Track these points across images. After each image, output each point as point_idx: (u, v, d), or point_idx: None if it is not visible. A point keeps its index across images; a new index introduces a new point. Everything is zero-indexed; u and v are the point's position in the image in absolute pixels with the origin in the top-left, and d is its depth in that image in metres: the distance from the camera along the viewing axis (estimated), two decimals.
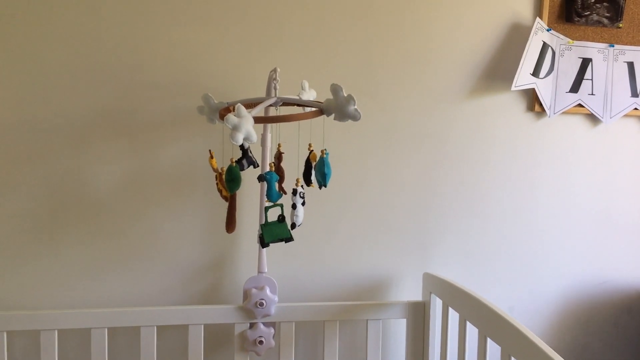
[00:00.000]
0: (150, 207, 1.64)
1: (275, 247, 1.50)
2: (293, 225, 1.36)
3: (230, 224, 1.41)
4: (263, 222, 1.40)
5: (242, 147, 1.47)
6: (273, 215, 1.38)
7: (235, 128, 1.21)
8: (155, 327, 1.57)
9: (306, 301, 1.72)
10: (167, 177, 1.64)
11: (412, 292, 1.78)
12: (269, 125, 1.56)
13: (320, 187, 1.40)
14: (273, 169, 1.39)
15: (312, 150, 1.44)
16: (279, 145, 1.51)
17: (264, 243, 1.38)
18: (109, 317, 1.55)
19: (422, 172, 1.77)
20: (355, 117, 1.31)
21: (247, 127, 1.21)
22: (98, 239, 1.62)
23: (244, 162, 1.47)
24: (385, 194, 1.76)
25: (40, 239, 1.60)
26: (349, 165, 1.73)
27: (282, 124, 1.51)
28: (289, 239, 1.41)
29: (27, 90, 1.56)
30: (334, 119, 1.33)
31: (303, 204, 1.36)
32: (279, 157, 1.51)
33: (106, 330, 1.55)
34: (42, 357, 1.52)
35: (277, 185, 1.33)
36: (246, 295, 1.61)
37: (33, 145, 1.57)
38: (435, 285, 1.65)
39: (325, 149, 1.38)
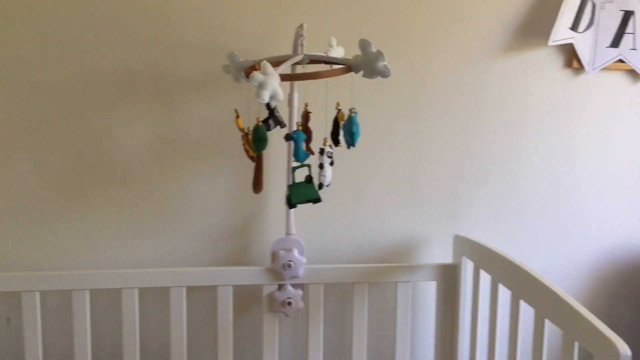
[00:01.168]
0: (177, 168, 1.63)
1: (304, 208, 1.47)
2: (320, 186, 1.33)
3: (258, 184, 1.38)
4: (290, 182, 1.38)
5: (268, 106, 1.44)
6: (300, 175, 1.36)
7: (261, 86, 1.17)
8: (185, 288, 1.58)
9: (335, 263, 1.70)
10: (194, 137, 1.62)
11: (442, 255, 1.75)
12: (295, 84, 1.52)
13: (348, 147, 1.36)
14: (300, 128, 1.36)
15: (340, 110, 1.40)
16: (306, 105, 1.47)
17: (291, 204, 1.36)
18: (139, 277, 1.56)
19: (454, 133, 1.72)
20: (384, 73, 1.26)
21: (273, 85, 1.18)
22: (126, 200, 1.63)
23: (271, 121, 1.44)
24: (416, 154, 1.72)
25: (70, 201, 1.61)
26: (378, 125, 1.69)
27: (309, 83, 1.46)
28: (316, 199, 1.38)
29: (52, 51, 1.54)
30: (363, 76, 1.29)
31: (331, 164, 1.33)
32: (306, 116, 1.47)
33: (137, 290, 1.56)
34: (75, 317, 1.54)
35: (304, 145, 1.29)
36: (274, 256, 1.60)
37: (60, 106, 1.57)
38: (467, 247, 1.62)
39: (353, 108, 1.35)
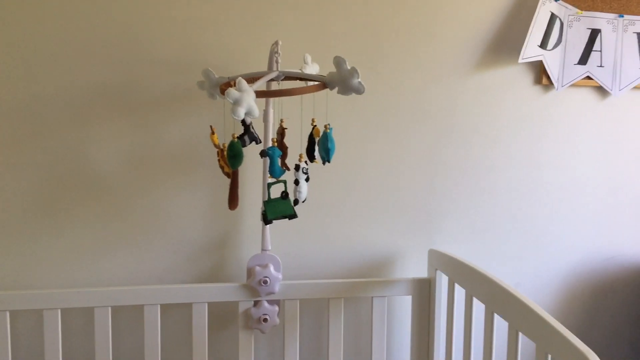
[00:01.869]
0: (152, 184, 1.62)
1: (279, 224, 1.48)
2: (296, 202, 1.34)
3: (233, 200, 1.38)
4: (266, 198, 1.38)
5: (244, 122, 1.45)
6: (276, 191, 1.36)
7: (237, 102, 1.18)
8: (159, 306, 1.56)
9: (311, 279, 1.70)
10: (169, 153, 1.62)
11: (417, 269, 1.77)
12: (271, 101, 1.53)
13: (324, 163, 1.37)
14: (276, 144, 1.37)
15: (316, 126, 1.41)
16: (282, 121, 1.48)
17: (267, 220, 1.36)
18: (112, 295, 1.54)
19: (428, 148, 1.75)
20: (359, 90, 1.28)
21: (248, 102, 1.18)
22: (100, 217, 1.61)
23: (246, 138, 1.44)
24: (390, 169, 1.74)
25: (42, 218, 1.58)
26: (353, 141, 1.70)
27: (284, 99, 1.48)
28: (292, 215, 1.38)
29: (27, 67, 1.53)
30: (338, 93, 1.30)
31: (307, 180, 1.34)
32: (281, 132, 1.48)
33: (110, 309, 1.54)
34: (46, 336, 1.51)
35: (279, 160, 1.30)
36: (250, 273, 1.59)
37: (34, 122, 1.55)
38: (441, 261, 1.64)
39: (328, 124, 1.35)
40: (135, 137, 1.60)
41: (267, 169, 1.36)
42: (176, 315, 1.66)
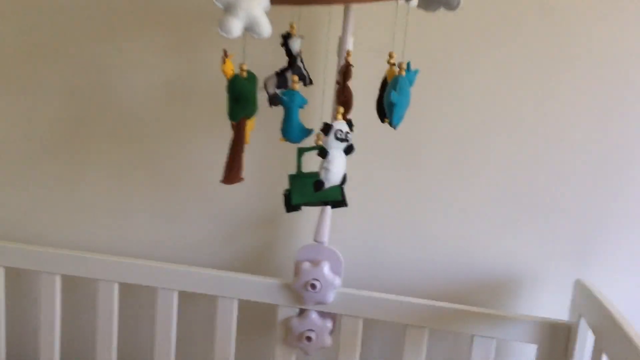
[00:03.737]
0: (189, 130, 1.22)
1: (348, 208, 0.97)
2: (319, 186, 0.81)
3: (232, 169, 0.89)
4: (295, 172, 0.89)
5: (289, 50, 0.95)
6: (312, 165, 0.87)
7: (229, 9, 0.70)
8: (177, 292, 1.18)
9: (384, 291, 1.17)
10: (215, 91, 1.19)
11: (552, 306, 1.15)
12: (350, 22, 1.01)
13: (390, 125, 0.84)
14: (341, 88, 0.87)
15: (394, 64, 0.88)
16: (348, 54, 0.96)
17: (290, 205, 0.88)
18: (120, 269, 1.19)
19: (602, 130, 1.10)
20: (451, 2, 0.72)
21: (249, 9, 0.70)
22: (123, 166, 1.26)
23: (287, 75, 0.95)
24: (535, 155, 1.13)
25: (56, 161, 1.27)
26: (472, 98, 1.12)
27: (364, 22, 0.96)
28: (339, 202, 0.89)
29: None
30: (417, 6, 0.76)
31: (347, 151, 0.81)
32: (345, 71, 0.96)
33: (117, 285, 1.19)
34: (43, 305, 1.22)
35: (298, 113, 0.80)
36: (297, 269, 1.13)
37: (52, 31, 1.22)
38: (590, 306, 1.01)
39: (406, 63, 0.82)
40: (172, 63, 1.20)
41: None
42: (198, 307, 1.27)
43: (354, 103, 0.93)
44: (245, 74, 0.79)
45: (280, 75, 0.93)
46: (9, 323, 1.29)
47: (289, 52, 0.94)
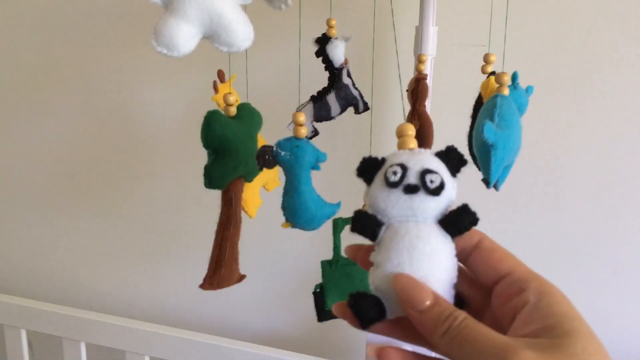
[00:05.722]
0: None
1: None
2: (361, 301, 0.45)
3: (218, 268, 0.51)
4: (331, 262, 0.56)
5: (322, 54, 0.61)
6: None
7: (172, 6, 0.39)
8: None
9: None
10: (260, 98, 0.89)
11: None
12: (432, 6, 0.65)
13: (487, 185, 0.49)
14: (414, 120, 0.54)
15: (494, 72, 0.53)
16: (421, 59, 0.60)
17: (323, 310, 0.55)
18: (148, 338, 0.93)
19: None
20: None
21: (208, 3, 0.39)
22: (141, 201, 1.00)
23: (330, 97, 0.61)
24: None
25: (63, 195, 1.05)
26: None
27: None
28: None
29: None
30: None
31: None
32: (418, 84, 0.60)
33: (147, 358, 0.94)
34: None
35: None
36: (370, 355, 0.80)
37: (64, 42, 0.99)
38: None
39: (511, 74, 0.46)
40: (193, 80, 0.91)
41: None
42: None
43: (434, 133, 0.59)
44: (233, 110, 0.48)
45: (318, 101, 0.60)
46: None
47: (329, 65, 0.61)
